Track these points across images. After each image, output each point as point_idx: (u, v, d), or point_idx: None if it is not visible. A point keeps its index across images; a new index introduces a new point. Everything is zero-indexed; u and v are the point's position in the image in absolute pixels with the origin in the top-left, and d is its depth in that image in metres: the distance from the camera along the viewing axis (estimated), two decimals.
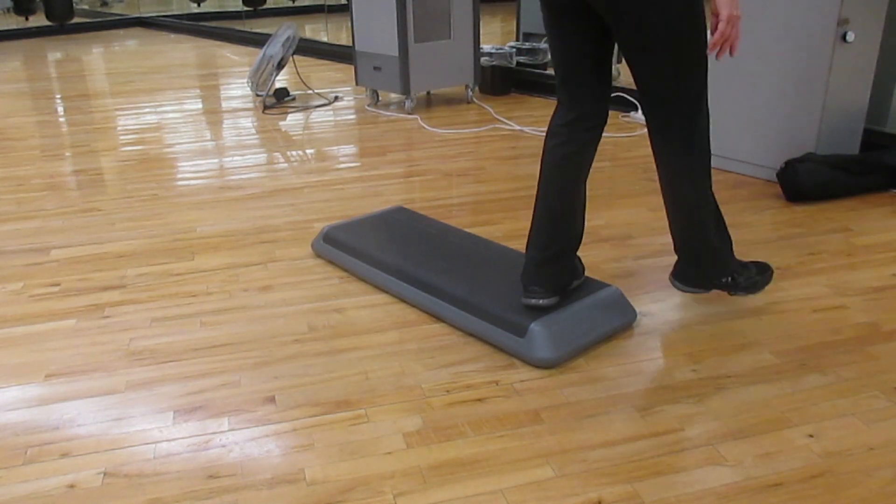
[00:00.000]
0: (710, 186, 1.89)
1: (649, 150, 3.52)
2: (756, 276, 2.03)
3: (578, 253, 2.04)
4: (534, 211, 1.93)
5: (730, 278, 1.99)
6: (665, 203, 1.95)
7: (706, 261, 1.97)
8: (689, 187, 1.87)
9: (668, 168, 1.89)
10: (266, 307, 2.17)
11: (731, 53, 1.71)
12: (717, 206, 1.94)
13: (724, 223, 1.96)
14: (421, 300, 2.11)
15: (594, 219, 2.74)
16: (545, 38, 5.16)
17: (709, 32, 1.72)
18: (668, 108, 1.80)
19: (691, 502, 1.39)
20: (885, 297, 2.13)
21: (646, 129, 3.99)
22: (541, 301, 1.88)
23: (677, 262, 2.03)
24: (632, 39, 1.71)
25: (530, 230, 1.94)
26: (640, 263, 2.38)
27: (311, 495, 1.44)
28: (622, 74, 5.27)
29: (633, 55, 1.75)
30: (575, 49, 1.81)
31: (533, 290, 1.89)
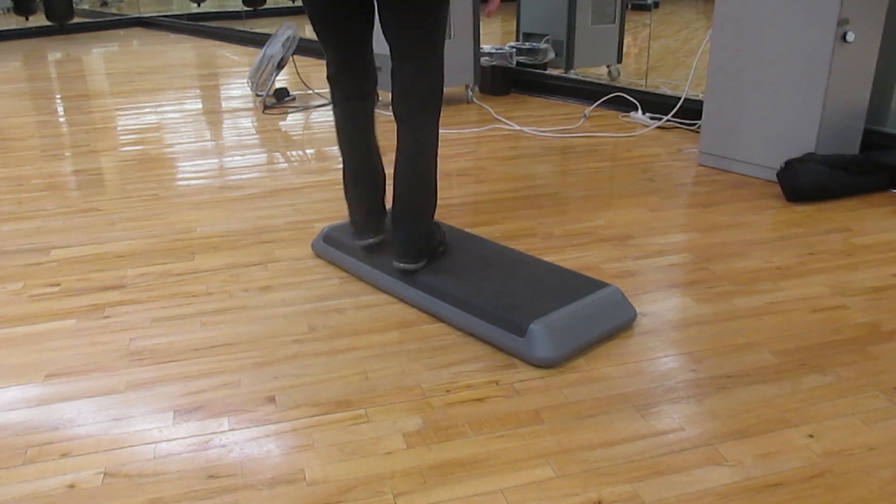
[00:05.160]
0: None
1: (649, 150, 3.54)
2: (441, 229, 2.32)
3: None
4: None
5: (439, 244, 2.26)
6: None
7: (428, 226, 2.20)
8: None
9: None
10: (266, 307, 2.17)
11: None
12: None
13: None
14: (421, 300, 2.11)
15: (594, 219, 2.74)
16: (545, 38, 5.17)
17: None
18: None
19: (691, 502, 1.39)
20: (885, 297, 2.14)
21: (641, 129, 3.99)
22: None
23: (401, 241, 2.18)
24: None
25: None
26: (640, 263, 2.38)
27: (311, 495, 1.44)
28: (622, 74, 5.28)
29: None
30: (347, 32, 2.11)
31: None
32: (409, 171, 2.09)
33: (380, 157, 2.27)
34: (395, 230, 2.14)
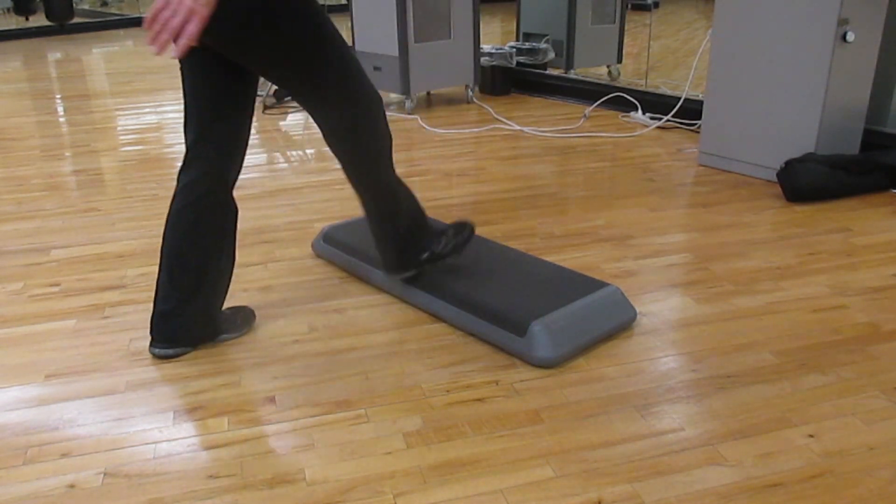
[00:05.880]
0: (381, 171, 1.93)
1: (649, 150, 3.55)
2: (454, 239, 2.10)
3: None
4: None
5: (429, 253, 2.06)
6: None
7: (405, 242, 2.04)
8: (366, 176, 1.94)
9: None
10: (266, 307, 2.17)
11: (174, 43, 1.45)
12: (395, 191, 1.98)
13: (408, 202, 2.02)
14: (421, 300, 2.11)
15: (594, 219, 2.74)
16: (545, 38, 5.17)
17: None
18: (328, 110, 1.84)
19: (691, 502, 1.39)
20: (885, 297, 2.13)
21: (641, 129, 4.00)
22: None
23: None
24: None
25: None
26: (640, 263, 2.38)
27: (311, 495, 1.44)
28: (622, 74, 5.28)
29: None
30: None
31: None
32: (355, 186, 1.96)
33: (224, 268, 1.91)
34: (374, 243, 2.08)
